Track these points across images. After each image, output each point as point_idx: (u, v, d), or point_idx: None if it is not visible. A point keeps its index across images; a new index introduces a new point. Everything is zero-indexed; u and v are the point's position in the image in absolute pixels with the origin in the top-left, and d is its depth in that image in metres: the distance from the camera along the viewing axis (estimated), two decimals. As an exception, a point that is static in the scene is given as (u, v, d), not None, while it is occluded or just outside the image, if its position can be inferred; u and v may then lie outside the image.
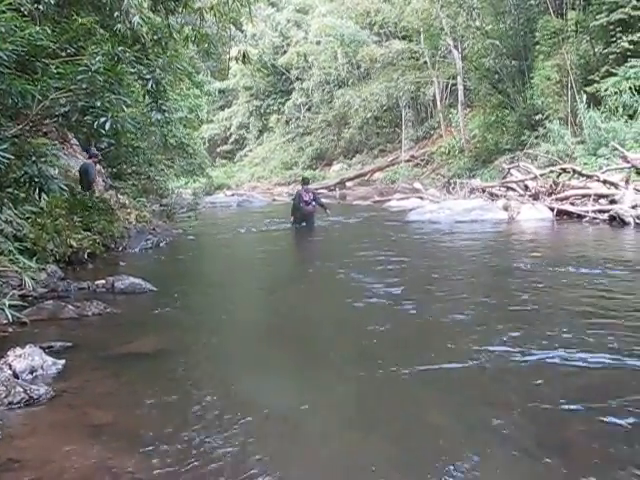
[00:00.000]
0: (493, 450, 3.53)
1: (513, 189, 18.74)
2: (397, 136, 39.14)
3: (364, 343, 5.72)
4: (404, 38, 37.62)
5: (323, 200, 17.15)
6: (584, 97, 22.15)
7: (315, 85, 43.96)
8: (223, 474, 3.33)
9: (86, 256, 10.47)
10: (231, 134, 51.27)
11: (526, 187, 18.16)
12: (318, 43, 42.51)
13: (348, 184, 36.23)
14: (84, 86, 6.86)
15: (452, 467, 3.28)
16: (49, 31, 7.02)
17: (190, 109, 21.65)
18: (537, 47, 25.44)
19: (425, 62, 35.50)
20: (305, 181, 16.96)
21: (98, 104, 6.83)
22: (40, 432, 3.88)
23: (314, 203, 15.97)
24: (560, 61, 24.04)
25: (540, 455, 3.43)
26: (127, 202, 15.50)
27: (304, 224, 15.91)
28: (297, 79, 45.69)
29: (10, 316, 5.38)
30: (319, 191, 34.58)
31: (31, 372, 4.76)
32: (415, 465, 3.40)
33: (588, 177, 16.74)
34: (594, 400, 4.14)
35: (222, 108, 51.23)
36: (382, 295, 7.59)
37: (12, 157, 6.17)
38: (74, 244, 10.10)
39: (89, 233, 10.84)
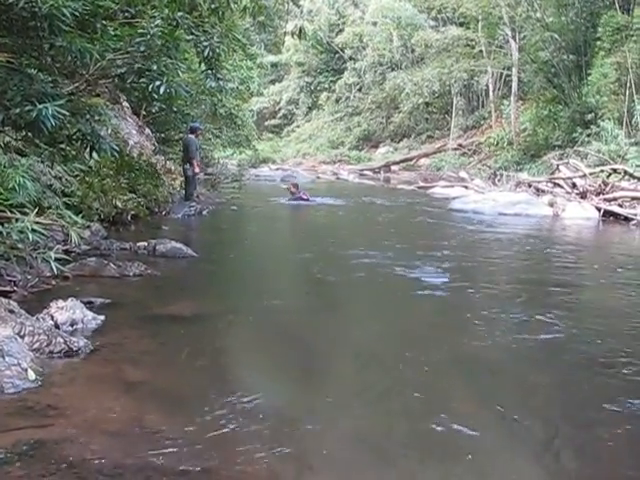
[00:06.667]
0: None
1: (560, 186, 18.40)
2: (446, 123, 38.71)
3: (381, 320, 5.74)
4: (461, 25, 37.07)
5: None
6: (642, 98, 21.66)
7: (368, 66, 43.60)
8: (252, 434, 3.40)
9: (129, 217, 10.63)
10: (280, 109, 51.16)
11: (574, 185, 17.82)
12: (374, 24, 42.08)
13: (393, 168, 35.97)
14: (141, 49, 6.90)
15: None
16: (112, -8, 7.07)
17: (241, 80, 21.62)
18: (598, 43, 24.80)
19: (480, 51, 34.94)
20: None
21: (154, 67, 6.86)
22: (78, 383, 3.98)
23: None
24: (621, 59, 23.42)
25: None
26: (173, 168, 15.64)
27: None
28: (350, 58, 45.37)
29: (55, 269, 5.48)
30: (364, 172, 34.69)
31: (71, 325, 4.87)
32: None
33: (639, 179, 16.42)
34: None
35: (273, 82, 51.11)
36: (421, 280, 7.59)
37: (67, 114, 6.24)
38: (119, 205, 10.25)
39: (134, 195, 10.98)
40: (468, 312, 6.31)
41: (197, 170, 13.96)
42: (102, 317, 5.11)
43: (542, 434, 3.66)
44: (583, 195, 16.82)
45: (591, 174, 17.51)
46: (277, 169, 34.43)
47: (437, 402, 3.97)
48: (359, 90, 45.52)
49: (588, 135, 23.49)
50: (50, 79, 6.57)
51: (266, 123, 49.95)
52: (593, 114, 23.79)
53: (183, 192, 14.11)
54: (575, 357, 4.99)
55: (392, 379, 4.40)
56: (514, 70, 31.11)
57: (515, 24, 30.07)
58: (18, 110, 5.96)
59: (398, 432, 3.63)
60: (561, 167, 19.74)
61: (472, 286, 7.50)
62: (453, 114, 37.56)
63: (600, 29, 24.68)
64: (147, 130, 15.95)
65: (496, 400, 4.08)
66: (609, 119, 22.67)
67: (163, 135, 17.95)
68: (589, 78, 24.93)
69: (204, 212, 13.42)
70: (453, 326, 5.83)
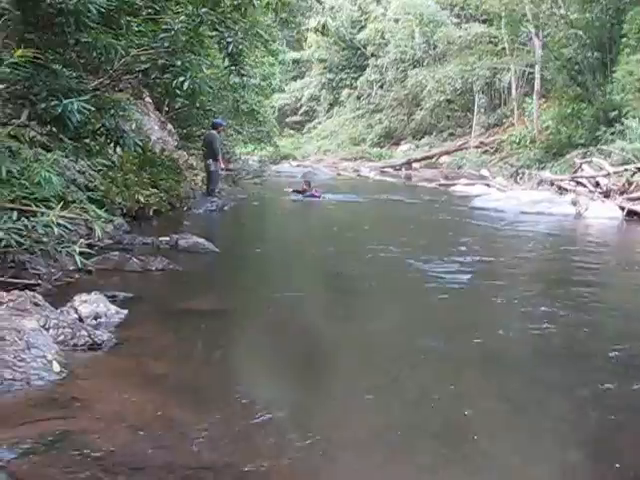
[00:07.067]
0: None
1: (583, 185, 18.23)
2: (468, 121, 38.53)
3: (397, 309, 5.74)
4: (484, 22, 36.83)
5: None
6: (668, 96, 21.39)
7: (390, 63, 43.49)
8: (273, 427, 3.43)
9: (152, 212, 10.70)
10: (301, 105, 51.16)
11: (597, 184, 17.65)
12: (396, 21, 41.99)
13: (414, 165, 35.88)
14: (165, 45, 6.95)
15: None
16: (137, -12, 7.14)
17: (263, 77, 21.69)
18: (624, 40, 24.46)
19: (503, 48, 34.66)
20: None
21: (178, 63, 6.91)
22: (101, 376, 4.02)
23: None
24: (647, 56, 23.17)
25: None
26: (195, 163, 15.71)
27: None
28: (372, 55, 45.27)
29: (79, 263, 5.53)
30: (385, 169, 34.64)
31: (95, 318, 4.91)
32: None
33: (664, 179, 16.24)
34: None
35: (295, 79, 51.14)
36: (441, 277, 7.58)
37: (92, 109, 6.30)
38: (141, 200, 10.32)
39: (156, 190, 11.04)
40: (487, 308, 6.30)
41: (223, 165, 14.06)
42: (125, 311, 5.14)
43: (549, 421, 3.75)
44: (607, 194, 16.65)
45: (615, 173, 17.33)
46: (298, 165, 34.46)
47: (452, 391, 4.00)
48: (381, 87, 45.39)
49: (612, 133, 23.22)
50: (75, 75, 6.64)
51: (287, 120, 49.96)
52: (617, 112, 23.50)
53: (205, 188, 14.18)
54: (587, 353, 4.99)
55: (410, 370, 4.44)
56: (537, 67, 30.83)
57: (539, 21, 29.77)
58: (44, 105, 6.04)
59: (414, 423, 3.66)
60: (584, 166, 19.55)
61: (492, 284, 7.49)
62: (475, 112, 37.36)
63: (626, 26, 24.32)
64: (169, 126, 16.03)
65: (510, 392, 4.13)
66: (634, 117, 22.34)
67: (185, 131, 18.02)
68: (614, 76, 24.62)
69: (225, 208, 13.48)
70: (471, 321, 5.82)
